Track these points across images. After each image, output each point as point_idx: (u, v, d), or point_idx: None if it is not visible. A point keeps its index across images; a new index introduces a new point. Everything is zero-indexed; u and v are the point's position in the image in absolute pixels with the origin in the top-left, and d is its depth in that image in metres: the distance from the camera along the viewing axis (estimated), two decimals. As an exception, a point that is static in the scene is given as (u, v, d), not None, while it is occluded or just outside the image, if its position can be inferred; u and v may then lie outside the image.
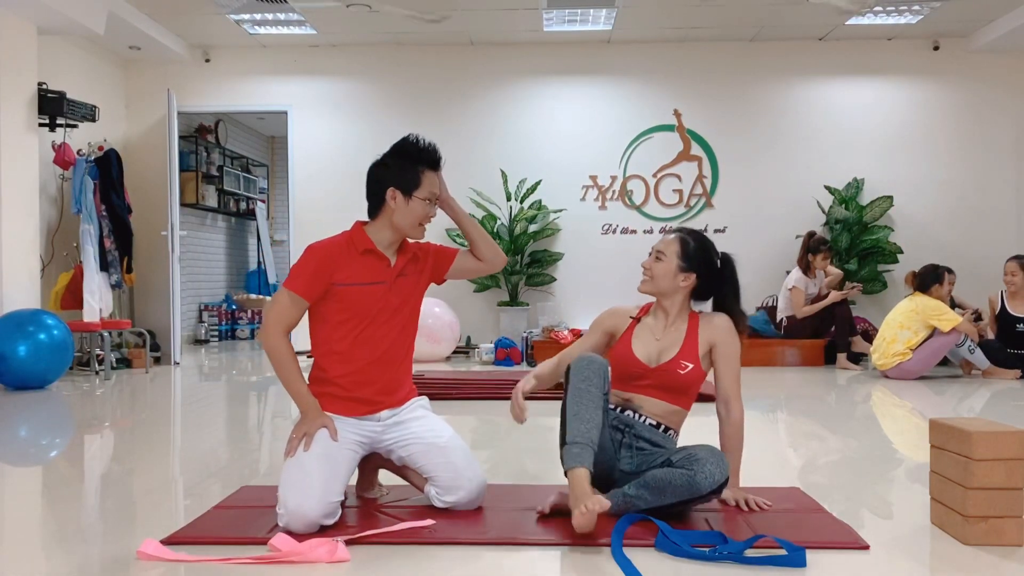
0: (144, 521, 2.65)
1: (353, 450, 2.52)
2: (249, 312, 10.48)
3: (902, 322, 6.16)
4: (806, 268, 7.22)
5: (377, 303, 2.54)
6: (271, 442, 4.16)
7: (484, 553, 2.24)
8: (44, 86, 6.60)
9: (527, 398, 2.64)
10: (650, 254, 2.73)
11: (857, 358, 7.07)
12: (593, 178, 8.41)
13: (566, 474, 2.33)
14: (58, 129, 6.83)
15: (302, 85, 8.50)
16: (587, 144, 8.40)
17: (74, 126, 6.99)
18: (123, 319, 7.51)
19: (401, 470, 2.68)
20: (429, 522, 2.42)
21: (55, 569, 2.17)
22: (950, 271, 6.61)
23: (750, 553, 2.14)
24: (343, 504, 2.46)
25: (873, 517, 2.64)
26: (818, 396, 5.68)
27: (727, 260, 2.73)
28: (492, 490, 2.66)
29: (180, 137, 8.51)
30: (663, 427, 2.62)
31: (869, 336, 7.03)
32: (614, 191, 8.40)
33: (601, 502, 2.24)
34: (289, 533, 2.27)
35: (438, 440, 2.55)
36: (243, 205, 11.18)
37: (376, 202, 2.58)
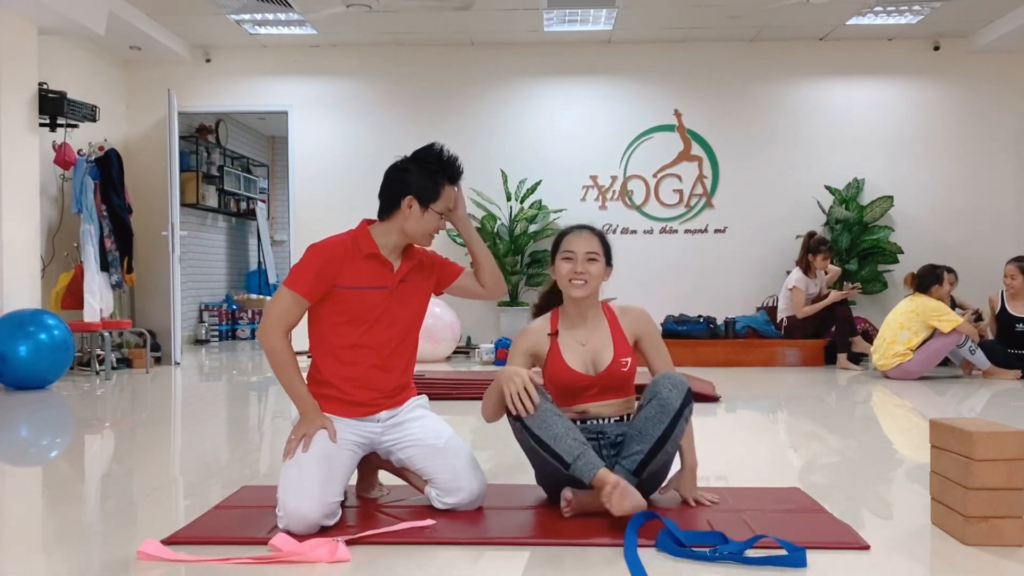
0: (144, 521, 2.65)
1: (352, 451, 2.51)
2: (249, 312, 10.48)
3: (902, 323, 6.16)
4: (806, 268, 7.22)
5: (377, 308, 2.52)
6: (271, 442, 4.15)
7: (484, 553, 2.24)
8: (45, 86, 6.60)
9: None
10: (569, 259, 2.60)
11: (857, 358, 7.07)
12: (593, 178, 8.41)
13: (590, 485, 2.35)
14: (59, 129, 6.84)
15: (302, 85, 8.50)
16: (587, 144, 8.40)
17: (75, 126, 7.00)
18: (123, 319, 7.51)
19: (400, 471, 2.67)
20: (429, 522, 2.42)
21: (56, 569, 2.17)
22: (950, 270, 6.61)
23: (750, 553, 2.14)
24: (343, 504, 2.46)
25: (873, 517, 2.64)
26: (818, 396, 5.68)
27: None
28: (493, 490, 2.66)
29: (180, 137, 8.52)
30: (624, 417, 2.64)
31: (869, 336, 7.02)
32: (614, 191, 8.40)
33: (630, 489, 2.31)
34: (289, 533, 2.27)
35: (437, 442, 2.55)
36: (243, 205, 11.18)
37: (390, 205, 2.55)
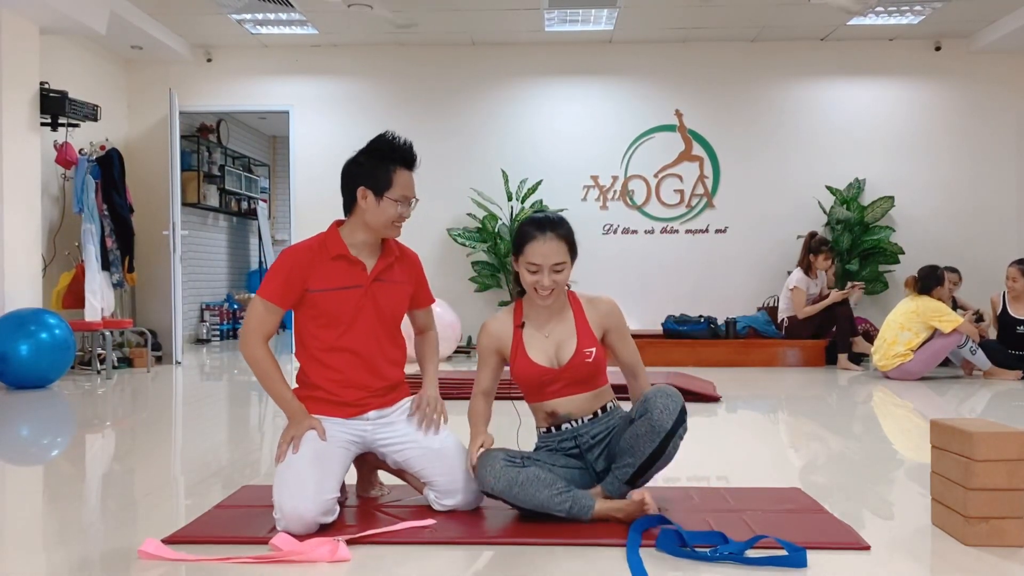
0: (145, 520, 2.65)
1: (345, 448, 2.51)
2: (250, 312, 10.46)
3: (903, 323, 6.15)
4: (807, 268, 7.21)
5: (353, 307, 2.51)
6: (272, 442, 4.15)
7: (484, 553, 2.24)
8: (46, 85, 6.60)
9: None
10: (533, 272, 2.48)
11: (858, 359, 7.07)
12: (594, 178, 8.41)
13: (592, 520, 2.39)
14: (60, 128, 6.84)
15: (304, 85, 8.51)
16: (588, 144, 8.40)
17: (76, 125, 7.00)
18: (124, 318, 7.52)
19: (398, 472, 2.67)
20: (430, 522, 2.42)
21: (56, 568, 2.18)
22: (953, 270, 6.60)
23: (751, 553, 2.14)
24: (344, 504, 2.46)
25: (874, 518, 2.63)
26: (819, 396, 5.67)
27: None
28: (493, 490, 2.66)
29: (182, 137, 8.52)
30: (598, 412, 2.57)
31: (870, 336, 7.02)
32: (615, 191, 8.40)
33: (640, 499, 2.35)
34: (289, 533, 2.27)
35: (433, 443, 2.54)
36: (244, 205, 11.19)
37: (349, 201, 2.56)
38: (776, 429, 4.61)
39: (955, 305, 6.62)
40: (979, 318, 6.46)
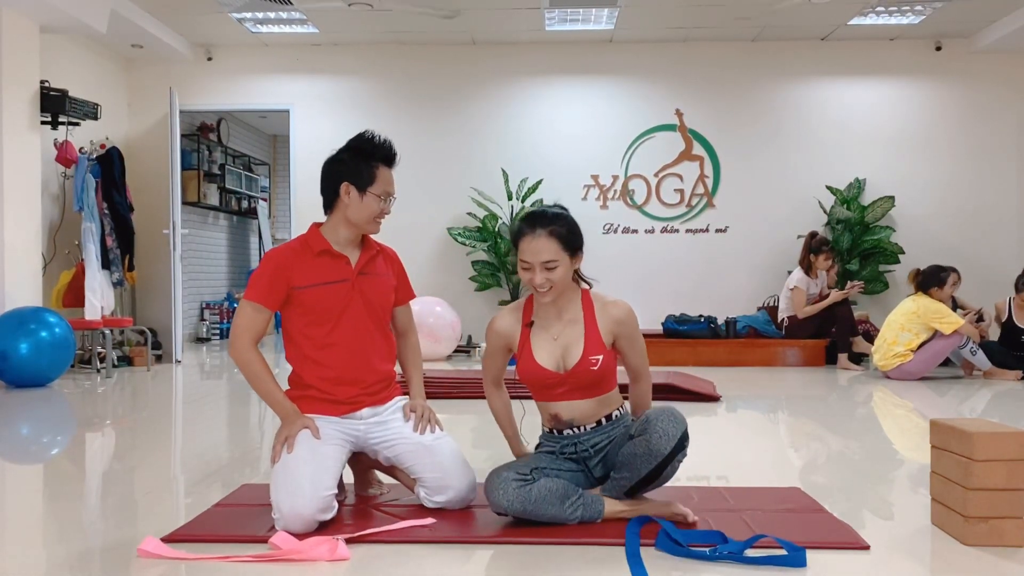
0: (145, 519, 2.65)
1: (339, 445, 2.51)
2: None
3: (903, 324, 6.15)
4: (808, 268, 7.21)
5: (341, 302, 2.52)
6: (271, 440, 4.15)
7: (483, 552, 2.24)
8: (46, 84, 6.60)
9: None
10: (526, 268, 2.42)
11: (858, 359, 7.07)
12: (594, 177, 8.41)
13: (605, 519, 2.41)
14: (60, 127, 6.84)
15: (304, 84, 8.51)
16: (589, 144, 8.40)
17: (76, 124, 7.00)
18: (125, 317, 7.52)
19: (390, 470, 2.67)
20: (429, 520, 2.42)
21: (56, 566, 2.18)
22: (954, 271, 6.58)
23: (750, 553, 2.14)
24: (343, 503, 2.46)
25: (874, 517, 2.63)
26: (819, 396, 5.67)
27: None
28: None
29: (182, 135, 8.52)
30: (603, 420, 2.52)
31: (870, 336, 7.02)
32: (616, 191, 8.40)
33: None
34: (289, 532, 2.27)
35: (424, 439, 2.55)
36: (245, 204, 11.18)
37: (330, 197, 2.59)
38: (776, 429, 4.61)
39: (955, 305, 6.61)
40: (979, 318, 6.46)
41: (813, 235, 7.36)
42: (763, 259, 8.27)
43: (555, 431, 2.55)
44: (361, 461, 2.70)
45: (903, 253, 7.99)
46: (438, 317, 7.43)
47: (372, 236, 2.65)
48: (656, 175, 8.41)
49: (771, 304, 7.68)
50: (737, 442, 4.07)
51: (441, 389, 5.19)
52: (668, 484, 2.85)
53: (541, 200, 8.22)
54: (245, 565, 2.10)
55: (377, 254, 2.63)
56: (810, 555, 2.12)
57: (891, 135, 8.33)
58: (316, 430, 2.46)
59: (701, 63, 8.37)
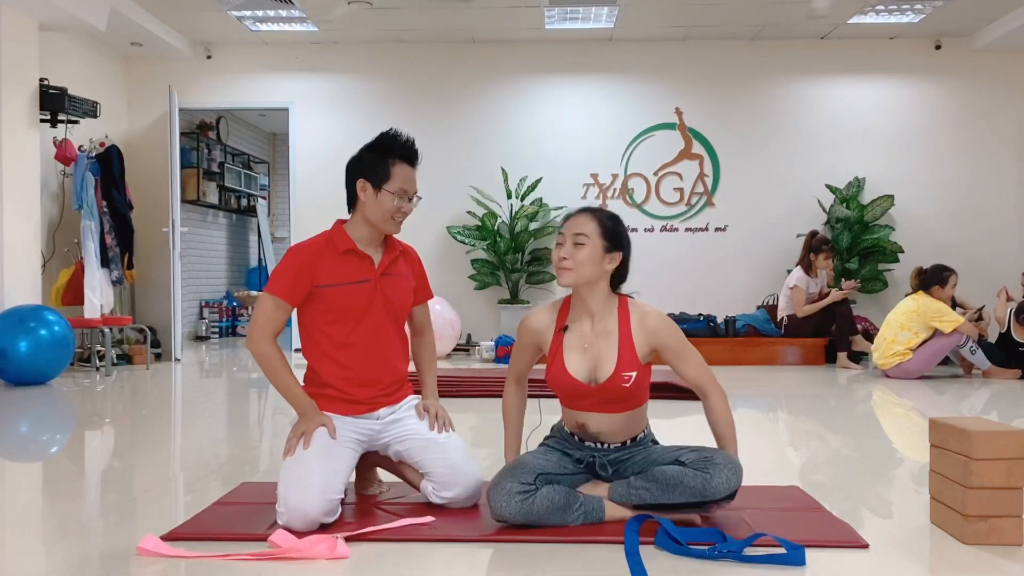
0: (144, 517, 2.65)
1: (352, 448, 2.51)
2: (250, 308, 10.49)
3: (903, 323, 6.16)
4: (808, 267, 7.21)
5: (363, 302, 2.52)
6: (271, 439, 4.16)
7: (483, 550, 2.24)
8: (46, 82, 6.60)
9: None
10: (559, 243, 2.41)
11: (858, 357, 7.07)
12: (594, 176, 8.41)
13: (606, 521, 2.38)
14: (59, 125, 6.83)
15: (303, 82, 8.50)
16: (588, 142, 8.40)
17: (75, 122, 7.00)
18: (124, 315, 7.52)
19: (397, 467, 2.67)
20: (429, 519, 2.42)
21: (55, 565, 2.18)
22: (955, 273, 6.58)
23: (749, 551, 2.14)
24: (343, 501, 2.46)
25: (873, 516, 2.64)
26: (818, 395, 5.68)
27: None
28: (492, 487, 2.65)
29: (181, 133, 8.52)
30: (628, 442, 2.48)
31: (870, 335, 7.02)
32: (615, 189, 8.40)
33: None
34: (289, 530, 2.27)
35: (436, 436, 2.56)
36: (244, 202, 11.18)
37: (350, 195, 2.58)
38: (775, 427, 4.61)
39: (955, 304, 6.61)
40: (979, 317, 6.45)
41: (813, 234, 7.36)
42: (762, 258, 8.27)
43: (577, 437, 2.51)
44: (366, 459, 2.69)
45: (902, 252, 7.99)
46: (437, 315, 7.42)
47: (390, 235, 2.62)
48: (656, 174, 8.41)
49: (770, 303, 7.69)
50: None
51: (441, 387, 5.16)
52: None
53: (540, 198, 8.22)
54: (244, 563, 2.10)
55: (399, 255, 2.63)
56: (809, 553, 2.12)
57: (891, 134, 8.33)
58: (333, 429, 2.46)
59: (701, 62, 8.37)
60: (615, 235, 2.43)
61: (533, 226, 8.15)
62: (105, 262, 7.20)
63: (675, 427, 4.07)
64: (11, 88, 6.17)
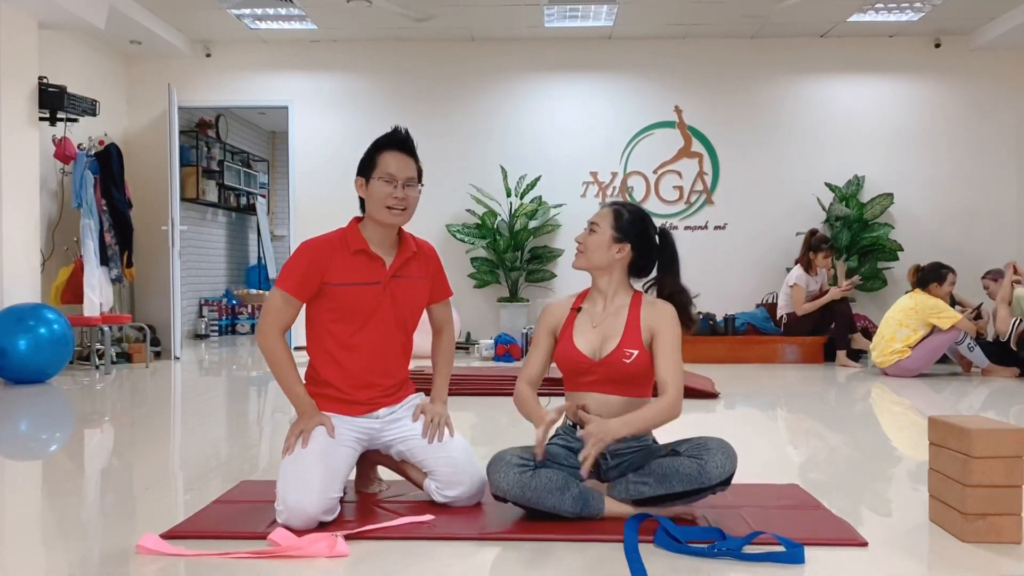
0: (144, 515, 2.65)
1: (351, 447, 2.51)
2: (249, 307, 10.49)
3: (901, 320, 6.16)
4: (807, 266, 7.22)
5: (371, 303, 2.51)
6: (271, 437, 4.16)
7: (483, 548, 2.24)
8: (45, 80, 6.59)
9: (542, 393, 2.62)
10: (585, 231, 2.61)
11: (857, 355, 7.08)
12: (593, 174, 8.41)
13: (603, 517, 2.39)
14: (59, 123, 6.83)
15: (303, 80, 8.50)
16: (588, 140, 8.40)
17: (75, 120, 6.99)
18: (123, 314, 7.52)
19: (399, 466, 2.67)
20: (428, 517, 2.42)
21: (55, 563, 2.18)
22: (953, 271, 6.58)
23: (748, 549, 2.14)
24: (343, 500, 2.46)
25: (872, 514, 2.64)
26: (818, 393, 5.68)
27: (665, 234, 2.63)
28: (491, 486, 2.65)
29: (181, 132, 8.51)
30: (627, 436, 2.45)
31: (869, 333, 7.03)
32: (615, 187, 8.40)
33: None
34: (288, 528, 2.27)
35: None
36: (244, 200, 11.18)
37: (359, 197, 2.59)
38: (774, 425, 4.61)
39: (953, 302, 6.62)
40: (977, 315, 6.45)
41: (813, 232, 7.37)
42: (762, 256, 8.27)
43: (578, 426, 2.51)
44: (367, 458, 2.68)
45: (902, 250, 7.99)
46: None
47: (409, 234, 2.62)
48: (655, 172, 8.40)
49: (770, 301, 7.69)
50: (736, 439, 4.04)
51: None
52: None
53: (540, 197, 8.22)
54: (244, 561, 2.10)
55: (412, 257, 2.60)
56: (808, 552, 2.12)
57: (890, 132, 8.32)
58: (332, 429, 2.46)
59: (700, 60, 8.36)
60: (624, 228, 2.54)
61: (532, 224, 8.15)
62: (104, 260, 7.20)
63: (675, 426, 4.06)
64: (10, 86, 6.17)
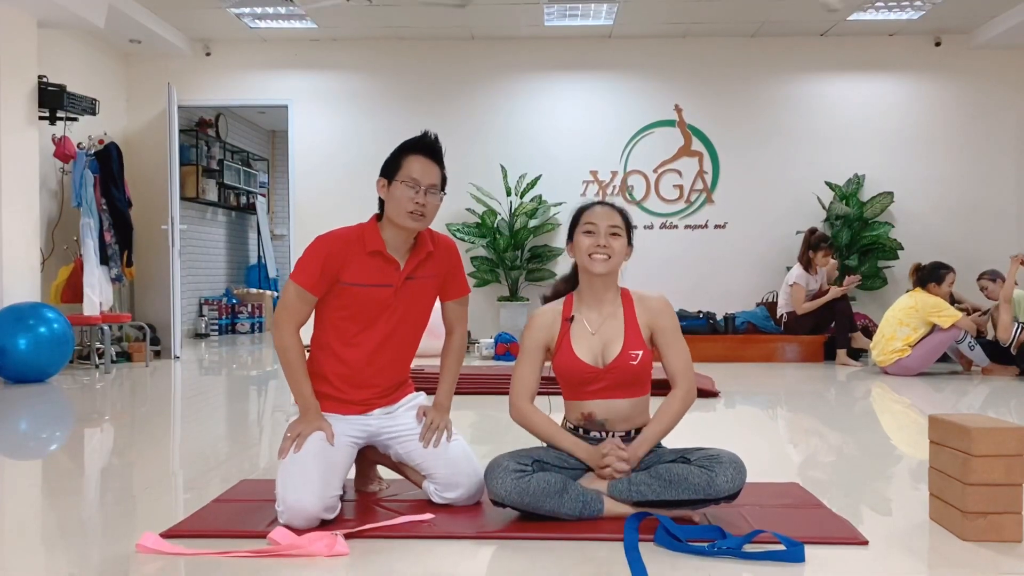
0: (144, 515, 2.65)
1: (350, 446, 2.51)
2: (249, 306, 10.49)
3: (901, 319, 6.16)
4: (807, 265, 7.21)
5: (379, 305, 2.50)
6: (271, 436, 4.16)
7: (483, 547, 2.24)
8: (44, 79, 6.59)
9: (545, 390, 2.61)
10: (591, 232, 2.46)
11: (857, 354, 7.07)
12: (593, 173, 8.41)
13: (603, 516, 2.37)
14: (58, 122, 6.83)
15: (303, 79, 8.49)
16: (588, 139, 8.40)
17: (74, 119, 6.99)
18: (123, 313, 7.52)
19: (397, 466, 2.67)
20: (428, 516, 2.42)
21: (55, 563, 2.18)
22: (953, 271, 6.57)
23: (749, 548, 2.14)
24: (342, 498, 2.46)
25: (872, 513, 2.64)
26: (818, 392, 5.68)
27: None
28: (491, 485, 2.65)
29: (180, 131, 8.50)
30: (632, 432, 2.49)
31: (869, 332, 7.03)
32: (615, 186, 8.40)
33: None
34: (288, 527, 2.27)
35: None
36: (243, 199, 11.18)
37: (380, 198, 2.56)
38: (775, 424, 4.61)
39: (953, 301, 6.61)
40: (982, 313, 6.44)
41: (812, 231, 7.36)
42: (762, 255, 8.27)
43: (582, 430, 2.51)
44: (366, 457, 2.68)
45: (902, 249, 8.00)
46: (437, 312, 7.40)
47: (427, 232, 2.58)
48: (655, 171, 8.41)
49: (770, 300, 7.69)
50: (736, 438, 4.07)
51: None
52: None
53: (540, 195, 8.22)
54: (244, 560, 2.10)
55: (427, 257, 2.57)
56: (808, 550, 2.12)
57: (890, 131, 8.32)
58: (331, 435, 2.44)
59: (700, 59, 8.36)
60: (629, 228, 2.56)
61: (532, 223, 8.15)
62: (104, 259, 7.20)
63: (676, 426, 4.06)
64: (10, 85, 6.16)
